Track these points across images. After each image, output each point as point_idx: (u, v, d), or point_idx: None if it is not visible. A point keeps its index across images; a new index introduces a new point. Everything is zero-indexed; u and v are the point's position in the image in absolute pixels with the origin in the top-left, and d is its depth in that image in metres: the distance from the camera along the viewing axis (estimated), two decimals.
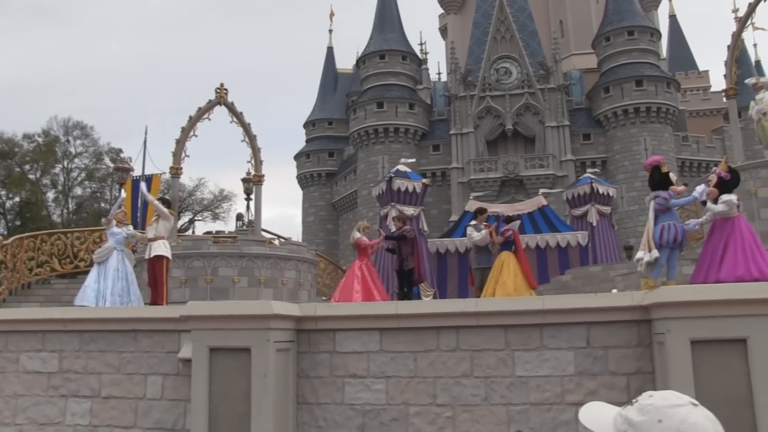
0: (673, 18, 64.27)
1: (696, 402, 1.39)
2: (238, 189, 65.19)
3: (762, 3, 17.72)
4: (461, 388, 7.06)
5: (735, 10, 41.85)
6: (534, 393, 6.93)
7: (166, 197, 14.82)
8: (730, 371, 5.92)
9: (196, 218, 58.36)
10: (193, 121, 18.85)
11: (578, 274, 19.39)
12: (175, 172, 19.01)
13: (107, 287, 12.11)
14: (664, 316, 6.26)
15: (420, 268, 14.53)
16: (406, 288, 13.88)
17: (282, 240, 20.54)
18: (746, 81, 17.04)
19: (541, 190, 27.80)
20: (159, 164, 52.61)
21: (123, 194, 24.44)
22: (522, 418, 6.89)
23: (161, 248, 12.60)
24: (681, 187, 9.41)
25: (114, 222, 12.88)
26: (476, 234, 13.34)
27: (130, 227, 13.37)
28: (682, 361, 5.99)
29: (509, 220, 14.21)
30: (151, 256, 12.53)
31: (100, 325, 8.34)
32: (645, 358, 6.82)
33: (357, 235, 13.90)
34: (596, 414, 1.52)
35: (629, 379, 6.81)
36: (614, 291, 10.62)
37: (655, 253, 9.44)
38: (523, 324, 7.02)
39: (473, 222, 13.83)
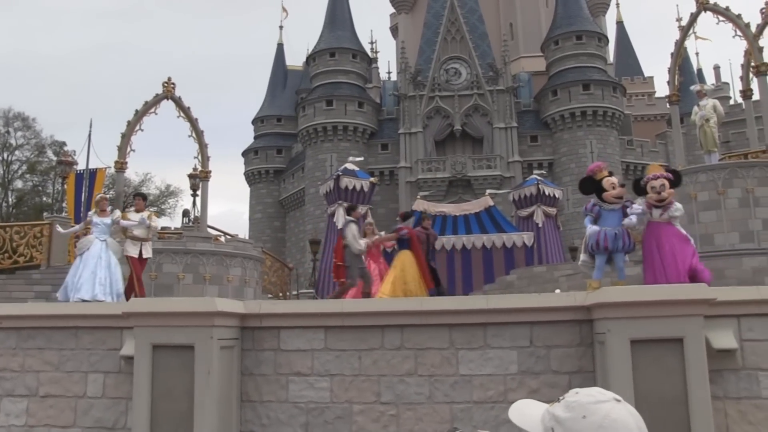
0: (620, 24, 65.71)
1: (619, 398, 1.43)
2: (185, 185, 64.26)
3: (703, 13, 18.28)
4: (405, 386, 7.09)
5: (678, 19, 42.97)
6: (477, 391, 6.99)
7: (141, 191, 14.21)
8: (667, 370, 6.07)
9: None
10: (139, 115, 18.54)
11: (523, 274, 19.65)
12: (120, 166, 18.66)
13: (86, 276, 11.35)
14: (605, 316, 6.39)
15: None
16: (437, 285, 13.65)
17: (228, 237, 20.35)
18: (691, 88, 17.58)
19: (488, 191, 28.09)
20: (104, 158, 51.51)
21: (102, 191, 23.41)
22: (465, 416, 6.95)
23: (150, 250, 12.29)
24: (616, 191, 9.55)
25: (95, 212, 12.13)
26: (360, 244, 12.97)
27: (117, 212, 12.56)
28: (621, 360, 6.12)
29: (406, 216, 13.94)
30: (144, 257, 12.12)
31: (39, 321, 8.12)
32: (586, 357, 6.95)
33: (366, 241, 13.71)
34: (526, 411, 1.55)
35: (571, 377, 6.93)
36: (557, 291, 10.81)
37: (582, 257, 9.75)
38: (467, 323, 7.08)
39: (350, 218, 13.39)
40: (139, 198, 13.15)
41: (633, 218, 9.23)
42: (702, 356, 6.07)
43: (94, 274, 11.32)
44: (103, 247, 11.73)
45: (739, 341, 6.55)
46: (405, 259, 12.99)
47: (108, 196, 12.55)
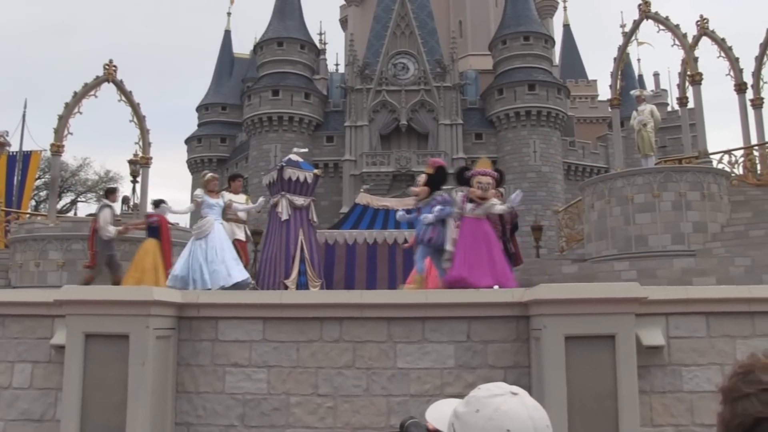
0: (566, 27, 66.71)
1: (517, 391, 1.46)
2: (125, 171, 62.76)
3: (645, 21, 18.78)
4: (343, 378, 7.10)
5: (622, 26, 44.10)
6: (414, 385, 7.05)
7: (238, 172, 13.33)
8: (599, 365, 6.23)
9: (78, 199, 55.82)
10: (78, 97, 18.06)
11: None
12: (57, 149, 18.15)
13: (229, 260, 10.61)
14: (541, 312, 6.52)
15: (519, 251, 12.87)
16: None
17: (168, 225, 20.01)
18: (631, 92, 18.04)
19: None
20: (39, 141, 49.86)
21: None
22: (402, 409, 7.00)
23: (243, 233, 11.88)
24: (417, 188, 9.72)
25: (203, 193, 11.33)
26: (110, 230, 12.59)
27: (227, 194, 11.88)
28: (556, 355, 6.25)
29: (157, 204, 13.56)
30: (235, 238, 11.63)
31: None
32: (522, 353, 7.07)
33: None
34: (440, 410, 1.60)
35: (506, 372, 7.04)
36: (496, 287, 10.91)
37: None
38: (405, 317, 7.13)
39: (106, 201, 13.04)
40: (238, 178, 12.65)
41: (429, 216, 9.33)
42: (632, 353, 6.25)
43: (234, 258, 10.70)
44: (223, 230, 11.10)
45: (667, 339, 6.77)
46: (148, 247, 12.66)
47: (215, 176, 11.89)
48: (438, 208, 9.35)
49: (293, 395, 7.14)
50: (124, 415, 6.56)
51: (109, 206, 12.78)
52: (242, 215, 11.93)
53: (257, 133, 48.15)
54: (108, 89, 18.62)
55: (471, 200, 9.17)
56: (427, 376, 7.07)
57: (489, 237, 9.13)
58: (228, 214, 11.46)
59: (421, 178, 9.73)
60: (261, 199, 12.67)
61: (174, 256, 12.89)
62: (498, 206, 9.20)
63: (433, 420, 1.60)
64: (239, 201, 11.97)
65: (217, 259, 10.55)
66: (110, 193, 13.38)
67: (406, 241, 14.70)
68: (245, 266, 11.63)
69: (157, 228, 12.80)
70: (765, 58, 20.02)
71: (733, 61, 19.89)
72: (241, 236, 11.77)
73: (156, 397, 6.82)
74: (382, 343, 7.13)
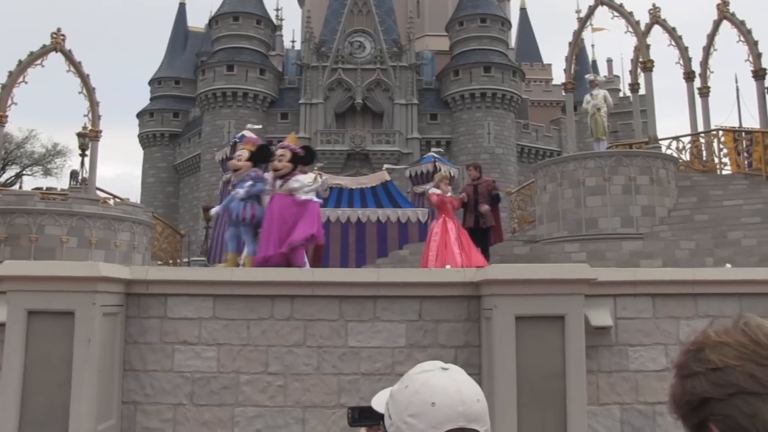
0: (523, 11, 66.96)
1: (447, 366, 1.47)
2: (74, 144, 61.16)
3: (600, 8, 19.01)
4: (293, 357, 7.06)
5: (578, 11, 44.58)
6: (365, 363, 7.05)
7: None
8: (548, 345, 6.32)
9: (24, 173, 54.21)
10: (22, 66, 17.50)
11: (416, 249, 19.86)
12: None
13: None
14: (493, 292, 6.56)
15: (500, 227, 12.34)
16: (481, 249, 11.80)
17: (117, 200, 19.63)
18: (585, 77, 18.30)
19: (386, 166, 28.16)
20: None
21: None
22: (353, 387, 7.00)
23: None
24: (240, 162, 9.72)
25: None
26: None
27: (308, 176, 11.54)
28: (506, 335, 6.31)
29: None
30: None
31: None
32: (473, 332, 7.12)
33: (435, 191, 12.12)
34: (384, 395, 1.62)
35: (457, 351, 7.09)
36: (448, 267, 10.97)
37: None
38: (357, 295, 7.11)
39: None
40: None
41: (241, 191, 9.36)
42: (581, 333, 6.34)
43: None
44: None
45: (614, 319, 6.90)
46: None
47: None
48: (248, 183, 9.33)
49: (243, 373, 7.08)
50: (69, 394, 6.42)
51: None
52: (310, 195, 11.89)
53: (211, 108, 47.46)
54: (56, 59, 18.09)
55: (277, 177, 9.24)
56: (378, 354, 7.07)
57: (286, 211, 9.13)
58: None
59: (243, 154, 9.63)
60: (325, 177, 12.58)
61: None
62: (293, 183, 9.20)
63: (377, 406, 1.62)
64: (307, 180, 11.87)
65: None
66: None
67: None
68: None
69: None
70: (712, 49, 20.51)
71: (683, 50, 20.28)
72: None
73: (102, 375, 6.69)
74: (333, 321, 7.10)
